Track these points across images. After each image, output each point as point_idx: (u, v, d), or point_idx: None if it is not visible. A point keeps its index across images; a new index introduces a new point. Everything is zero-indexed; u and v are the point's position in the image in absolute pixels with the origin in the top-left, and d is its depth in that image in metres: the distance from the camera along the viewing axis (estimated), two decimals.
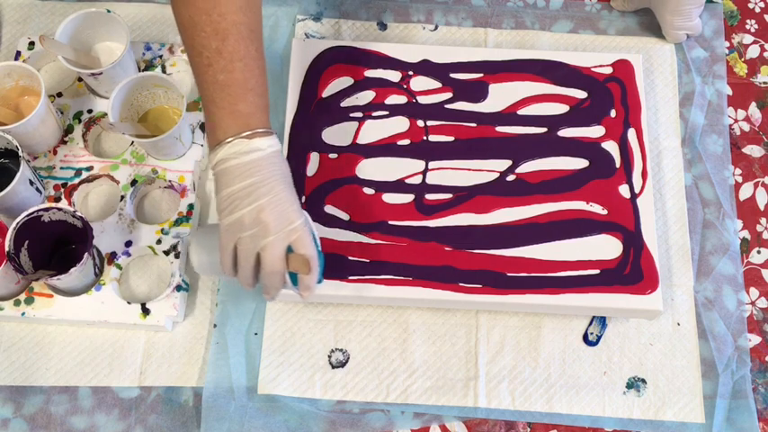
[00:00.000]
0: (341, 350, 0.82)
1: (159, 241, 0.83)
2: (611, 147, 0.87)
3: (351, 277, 0.80)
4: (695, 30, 0.95)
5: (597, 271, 0.81)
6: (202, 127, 0.88)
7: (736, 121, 0.95)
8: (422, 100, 0.89)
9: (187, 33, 0.69)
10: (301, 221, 0.68)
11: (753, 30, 1.00)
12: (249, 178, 0.66)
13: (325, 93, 0.89)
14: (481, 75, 0.91)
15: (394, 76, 0.90)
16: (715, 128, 0.94)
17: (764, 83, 0.97)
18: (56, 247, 0.82)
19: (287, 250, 0.68)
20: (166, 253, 0.83)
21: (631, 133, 0.88)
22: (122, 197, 0.85)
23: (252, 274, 0.69)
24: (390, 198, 0.85)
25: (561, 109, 0.89)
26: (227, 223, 0.67)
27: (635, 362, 0.83)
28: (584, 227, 0.83)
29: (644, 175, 0.86)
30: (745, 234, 0.89)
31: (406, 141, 0.88)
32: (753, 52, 0.99)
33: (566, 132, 0.88)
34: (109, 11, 0.86)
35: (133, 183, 0.86)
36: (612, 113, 0.89)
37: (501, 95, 0.90)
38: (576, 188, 0.85)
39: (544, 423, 0.80)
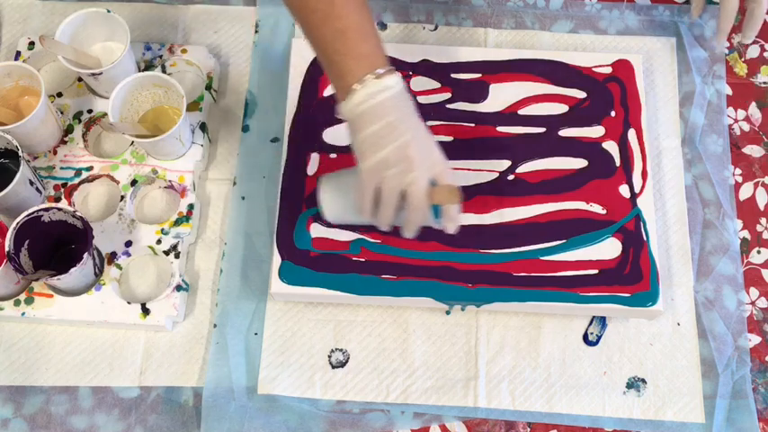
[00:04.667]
0: (341, 350, 0.82)
1: (159, 241, 0.83)
2: (611, 147, 0.87)
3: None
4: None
5: (597, 271, 0.81)
6: (202, 127, 0.88)
7: (736, 121, 0.95)
8: (422, 100, 0.89)
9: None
10: (442, 153, 0.68)
11: None
12: (388, 116, 0.65)
13: (326, 93, 0.89)
14: (481, 75, 0.91)
15: None
16: (715, 128, 0.94)
17: (764, 83, 0.97)
18: (56, 247, 0.82)
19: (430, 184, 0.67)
20: (166, 253, 0.83)
21: (631, 133, 0.88)
22: (122, 197, 0.85)
23: (394, 212, 0.68)
24: None
25: (561, 109, 0.89)
26: (372, 164, 0.66)
27: (635, 362, 0.83)
28: (584, 227, 0.83)
29: (644, 175, 0.86)
30: (745, 234, 0.89)
31: None
32: (753, 52, 0.98)
33: (566, 132, 0.88)
34: (109, 11, 0.86)
35: (133, 183, 0.86)
36: (612, 113, 0.89)
37: (501, 95, 0.89)
38: (576, 188, 0.85)
39: (544, 423, 0.80)
